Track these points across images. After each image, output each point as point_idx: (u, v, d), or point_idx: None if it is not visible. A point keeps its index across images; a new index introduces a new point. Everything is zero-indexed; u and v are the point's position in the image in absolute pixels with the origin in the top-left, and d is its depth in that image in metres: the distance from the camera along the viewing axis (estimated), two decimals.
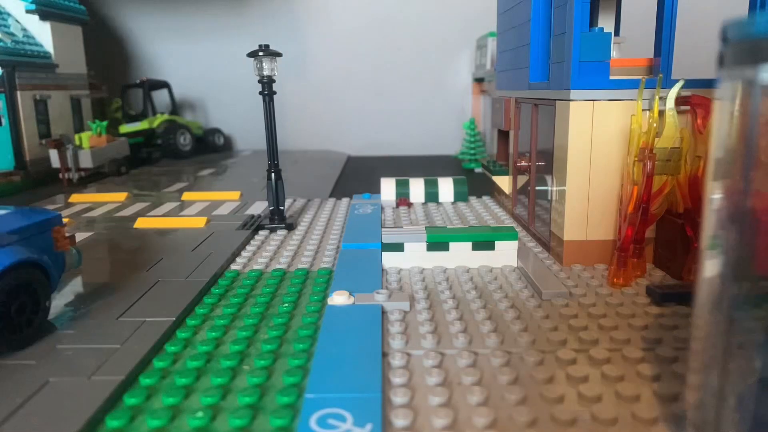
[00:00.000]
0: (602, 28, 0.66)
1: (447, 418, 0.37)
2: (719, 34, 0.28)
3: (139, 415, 0.39)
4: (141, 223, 0.92)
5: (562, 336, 0.48)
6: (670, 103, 0.60)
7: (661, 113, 0.61)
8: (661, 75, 0.62)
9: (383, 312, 0.54)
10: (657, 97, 0.60)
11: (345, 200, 1.06)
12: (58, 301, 0.58)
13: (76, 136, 1.31)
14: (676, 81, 0.61)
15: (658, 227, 0.66)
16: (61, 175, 1.30)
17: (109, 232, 0.88)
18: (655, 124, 0.60)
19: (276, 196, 0.87)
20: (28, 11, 1.30)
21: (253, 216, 0.95)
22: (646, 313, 0.53)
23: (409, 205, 1.02)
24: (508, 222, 0.90)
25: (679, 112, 0.61)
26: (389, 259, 0.68)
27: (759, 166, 0.27)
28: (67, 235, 0.55)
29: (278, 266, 0.69)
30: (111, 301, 0.58)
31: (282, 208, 0.88)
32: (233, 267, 0.70)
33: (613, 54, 0.71)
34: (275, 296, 0.60)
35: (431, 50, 1.88)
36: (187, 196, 1.15)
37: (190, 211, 1.02)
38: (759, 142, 0.27)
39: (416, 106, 1.92)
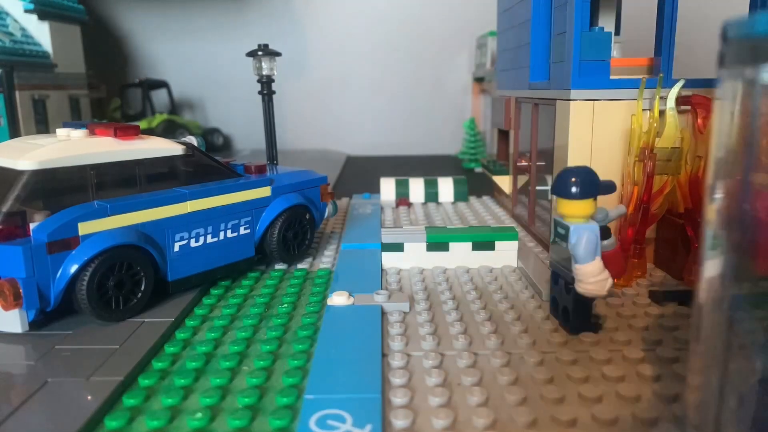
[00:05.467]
0: (602, 28, 0.65)
1: (447, 419, 0.37)
2: (719, 33, 0.28)
3: (138, 416, 0.39)
4: None
5: (562, 337, 0.48)
6: (671, 102, 0.60)
7: (662, 113, 0.61)
8: (661, 75, 0.62)
9: (383, 313, 0.53)
10: (657, 96, 0.60)
11: (344, 200, 1.06)
12: None
13: None
14: (677, 80, 0.61)
15: (659, 227, 0.65)
16: None
17: None
18: (655, 124, 0.60)
19: None
20: (26, 11, 1.29)
21: None
22: (646, 314, 0.53)
23: (409, 205, 1.02)
24: (508, 222, 0.90)
25: (679, 112, 0.61)
26: (389, 260, 0.68)
27: (759, 166, 0.27)
28: (329, 191, 0.75)
29: (277, 267, 0.69)
30: None
31: None
32: None
33: (614, 54, 0.71)
34: (274, 297, 0.60)
35: (431, 50, 1.88)
36: None
37: None
38: (760, 141, 0.27)
39: (416, 106, 1.92)
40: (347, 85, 1.92)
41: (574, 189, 0.47)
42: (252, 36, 1.75)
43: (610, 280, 0.47)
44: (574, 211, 0.48)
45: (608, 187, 0.49)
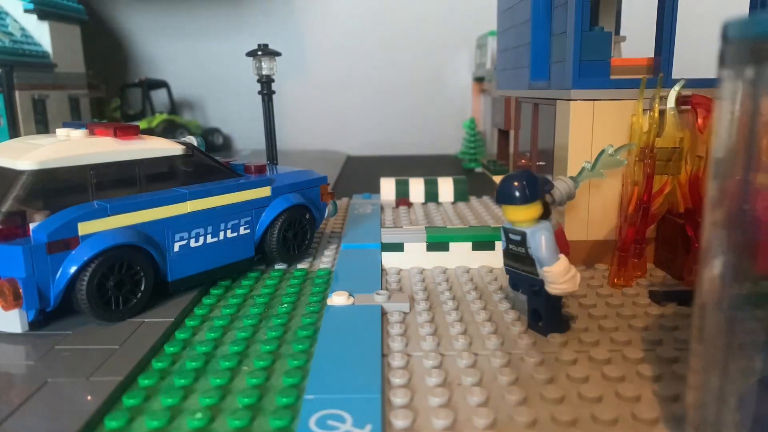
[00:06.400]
0: (602, 28, 0.65)
1: (447, 419, 0.37)
2: (720, 33, 0.28)
3: (137, 416, 0.39)
4: None
5: (562, 337, 0.48)
6: (671, 102, 0.60)
7: (662, 113, 0.61)
8: (661, 74, 0.62)
9: (383, 313, 0.53)
10: (657, 96, 0.60)
11: (344, 200, 1.06)
12: None
13: None
14: (677, 80, 0.61)
15: (659, 227, 0.65)
16: None
17: None
18: (655, 125, 0.60)
19: None
20: (26, 10, 1.29)
21: None
22: (646, 314, 0.53)
23: (409, 205, 1.02)
24: None
25: (679, 112, 0.61)
26: (389, 259, 0.68)
27: (759, 166, 0.27)
28: (329, 191, 0.75)
29: (277, 267, 0.69)
30: None
31: None
32: None
33: (614, 53, 0.71)
34: (274, 297, 0.60)
35: (431, 50, 1.88)
36: None
37: None
38: (759, 142, 0.27)
39: (416, 105, 1.92)
40: (347, 85, 1.92)
41: (521, 195, 0.47)
42: (252, 36, 1.75)
43: (578, 274, 0.47)
44: (523, 216, 0.47)
45: (548, 184, 0.50)
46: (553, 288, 0.47)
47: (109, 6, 1.90)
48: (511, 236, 0.49)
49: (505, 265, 0.52)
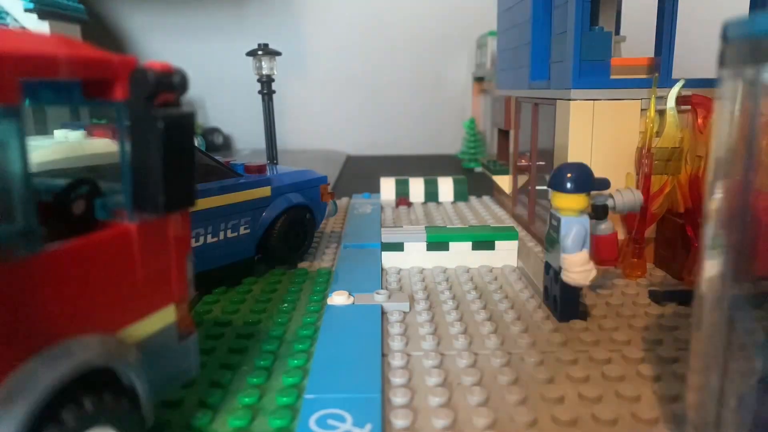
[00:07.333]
0: (603, 28, 0.65)
1: (447, 419, 0.37)
2: (720, 33, 0.28)
3: None
4: None
5: (562, 337, 0.48)
6: (671, 102, 0.60)
7: (662, 113, 0.61)
8: (657, 74, 0.62)
9: (383, 312, 0.53)
10: (653, 96, 0.60)
11: (344, 200, 1.06)
12: None
13: None
14: (677, 80, 0.61)
15: (659, 227, 0.65)
16: None
17: None
18: (654, 125, 0.60)
19: None
20: (26, 10, 1.29)
21: None
22: (646, 314, 0.53)
23: (409, 204, 1.02)
24: (508, 222, 0.90)
25: (679, 112, 0.61)
26: (389, 259, 0.68)
27: (759, 166, 0.27)
28: (329, 191, 0.75)
29: (277, 267, 0.69)
30: None
31: None
32: None
33: (614, 53, 0.71)
34: (274, 296, 0.60)
35: (431, 49, 1.88)
36: None
37: None
38: (759, 141, 0.27)
39: (416, 105, 1.92)
40: (347, 85, 1.92)
41: (568, 184, 0.50)
42: (252, 35, 1.75)
43: (593, 272, 0.50)
44: (567, 204, 0.51)
45: (602, 184, 0.52)
46: (566, 275, 0.50)
47: (109, 6, 1.90)
48: (552, 221, 0.53)
49: (545, 248, 0.55)
